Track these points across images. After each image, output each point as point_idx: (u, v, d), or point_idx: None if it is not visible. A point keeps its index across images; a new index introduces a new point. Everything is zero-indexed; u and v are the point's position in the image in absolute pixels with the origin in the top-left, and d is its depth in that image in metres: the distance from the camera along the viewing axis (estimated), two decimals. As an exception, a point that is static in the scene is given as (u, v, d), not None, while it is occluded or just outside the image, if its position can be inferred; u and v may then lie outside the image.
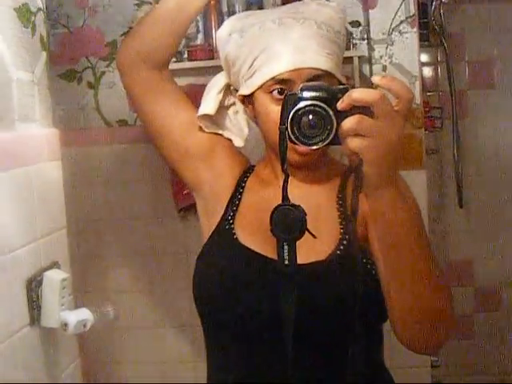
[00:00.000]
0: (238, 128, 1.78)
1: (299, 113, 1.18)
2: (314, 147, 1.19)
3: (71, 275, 1.86)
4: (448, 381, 3.82)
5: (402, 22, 2.94)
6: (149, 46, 1.70)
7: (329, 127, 1.17)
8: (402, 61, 2.94)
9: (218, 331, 1.68)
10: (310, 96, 1.19)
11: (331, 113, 1.17)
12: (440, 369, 3.67)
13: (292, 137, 1.19)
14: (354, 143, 1.15)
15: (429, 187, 3.09)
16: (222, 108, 1.74)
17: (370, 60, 2.97)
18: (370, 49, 2.96)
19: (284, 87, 1.54)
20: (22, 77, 1.69)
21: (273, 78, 1.54)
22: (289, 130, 1.19)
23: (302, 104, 1.18)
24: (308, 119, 1.17)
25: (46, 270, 1.74)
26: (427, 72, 3.89)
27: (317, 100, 1.18)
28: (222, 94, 1.73)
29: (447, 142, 3.77)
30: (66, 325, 1.72)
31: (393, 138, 1.16)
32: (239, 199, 1.69)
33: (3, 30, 1.60)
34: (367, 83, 2.95)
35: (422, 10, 3.52)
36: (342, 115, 1.16)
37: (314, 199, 1.56)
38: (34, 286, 1.69)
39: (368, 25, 2.97)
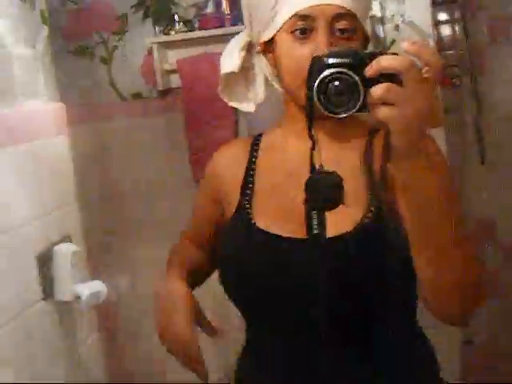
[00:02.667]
0: (253, 92, 1.77)
1: (326, 80, 1.16)
2: (342, 115, 1.17)
3: (85, 249, 1.87)
4: (478, 339, 3.80)
5: (413, -21, 2.90)
6: None
7: (356, 95, 1.14)
8: (415, 19, 2.90)
9: (248, 313, 1.68)
10: (336, 62, 1.16)
11: (358, 80, 1.14)
12: (470, 327, 3.66)
13: (319, 105, 1.17)
14: (382, 112, 1.12)
15: (450, 145, 3.06)
16: (241, 70, 1.73)
17: (382, 19, 2.93)
18: (382, 8, 2.93)
19: (307, 25, 1.50)
20: (22, 52, 1.69)
21: (296, 15, 1.52)
22: (315, 98, 1.17)
23: (327, 71, 1.15)
24: (335, 87, 1.15)
25: (56, 244, 1.74)
26: (444, 30, 3.83)
27: (344, 67, 1.15)
28: (243, 52, 1.71)
29: (466, 99, 3.73)
30: (79, 298, 1.72)
31: (422, 106, 1.13)
32: (252, 179, 1.68)
33: (0, 5, 1.60)
34: (380, 43, 2.92)
35: (435, -34, 3.47)
36: (369, 82, 1.13)
37: (339, 160, 1.54)
38: (45, 261, 1.70)
39: (379, -16, 2.94)
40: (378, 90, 1.11)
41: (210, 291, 1.69)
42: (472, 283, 1.35)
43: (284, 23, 1.54)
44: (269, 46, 1.62)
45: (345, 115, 1.16)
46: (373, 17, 2.89)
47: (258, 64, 1.73)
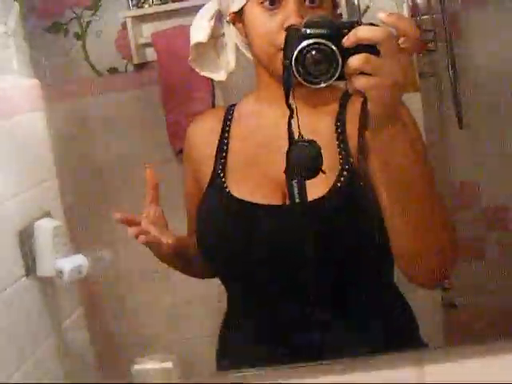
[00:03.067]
0: (224, 61, 1.77)
1: (304, 52, 1.17)
2: (320, 85, 1.19)
3: (66, 225, 1.87)
4: (460, 302, 3.83)
5: None
6: None
7: (334, 65, 1.17)
8: (389, -16, 2.90)
9: (228, 282, 1.69)
10: (313, 33, 1.18)
11: (336, 50, 1.16)
12: (451, 291, 3.69)
13: (297, 75, 1.19)
14: (359, 81, 1.15)
15: (427, 111, 3.07)
16: (211, 39, 1.73)
17: (356, -15, 2.93)
18: (356, -26, 2.92)
19: None
20: (-7, 29, 1.67)
21: None
22: (294, 68, 1.18)
23: (305, 42, 1.17)
24: (313, 58, 1.17)
25: (37, 220, 1.74)
26: (418, -5, 3.83)
27: (321, 37, 1.17)
28: (213, 21, 1.71)
29: (443, 64, 3.73)
30: (61, 272, 1.72)
31: (398, 76, 1.16)
32: (226, 148, 1.69)
33: (-31, -18, 1.58)
34: (354, 10, 2.91)
35: None
36: (347, 52, 1.15)
37: (311, 125, 1.55)
38: (26, 237, 1.69)
39: None
40: (355, 61, 1.13)
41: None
42: (444, 246, 1.37)
43: None
44: (238, 16, 1.63)
45: (323, 85, 1.19)
46: (347, -17, 2.88)
47: (227, 32, 1.74)
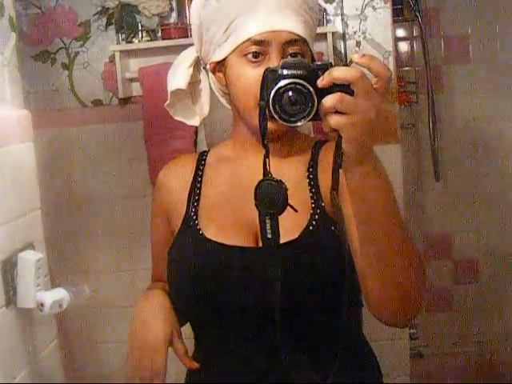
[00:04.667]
0: (199, 107, 1.79)
1: (280, 91, 1.19)
2: (297, 124, 1.21)
3: (47, 256, 1.86)
4: (428, 352, 3.86)
5: (375, -3, 2.95)
6: None
7: (310, 104, 1.19)
8: (376, 36, 2.95)
9: (197, 323, 1.69)
10: (290, 73, 1.20)
11: (312, 90, 1.18)
12: (419, 340, 3.72)
13: (274, 115, 1.20)
14: (334, 120, 1.17)
15: (405, 161, 3.11)
16: (188, 85, 1.75)
17: (344, 36, 2.97)
18: (344, 25, 2.97)
19: (259, 50, 1.55)
20: (-10, 59, 1.69)
21: (249, 39, 1.55)
22: (271, 107, 1.20)
23: (282, 82, 1.19)
24: (289, 97, 1.19)
25: (20, 251, 1.74)
26: (402, 47, 3.91)
27: (297, 78, 1.19)
28: (192, 69, 1.74)
29: (423, 116, 3.79)
30: (42, 305, 1.72)
31: (371, 115, 1.18)
32: (199, 191, 1.70)
33: (-30, 11, 1.60)
34: (341, 59, 2.96)
35: (396, -16, 3.53)
36: (322, 92, 1.17)
37: (285, 173, 1.57)
38: (8, 268, 1.69)
39: (342, 1, 2.97)
40: (330, 100, 1.16)
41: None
42: (412, 286, 1.39)
43: (237, 47, 1.57)
44: (219, 66, 1.65)
45: (299, 124, 1.21)
46: (335, 33, 2.92)
47: (203, 79, 1.76)
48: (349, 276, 1.39)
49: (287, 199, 1.27)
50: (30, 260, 1.72)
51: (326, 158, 1.64)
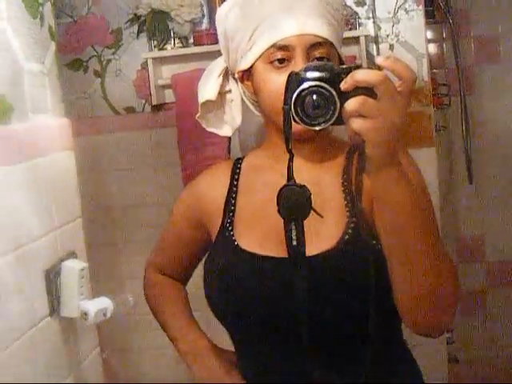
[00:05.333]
0: (230, 116, 1.78)
1: (303, 94, 1.19)
2: (318, 127, 1.20)
3: (89, 264, 1.86)
4: (464, 356, 3.83)
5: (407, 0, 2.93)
6: None
7: (332, 108, 1.18)
8: (409, 39, 2.94)
9: (236, 334, 1.69)
10: (313, 76, 1.19)
11: (335, 93, 1.17)
12: (455, 345, 3.69)
13: (296, 118, 1.20)
14: (356, 124, 1.16)
15: (438, 164, 3.09)
16: (218, 96, 1.74)
17: (376, 39, 2.96)
18: (377, 28, 2.95)
19: (284, 55, 1.54)
20: (32, 68, 1.69)
21: (274, 45, 1.54)
22: (292, 111, 1.19)
23: (305, 85, 1.18)
24: (312, 100, 1.18)
25: (63, 260, 1.74)
26: (433, 49, 3.89)
27: (320, 81, 1.18)
28: (221, 79, 1.73)
29: (455, 118, 3.77)
30: (85, 314, 1.71)
31: (395, 119, 1.16)
32: (234, 201, 1.70)
33: (12, 21, 1.60)
34: (374, 63, 2.95)
35: (427, -14, 3.52)
36: (345, 95, 1.16)
37: (318, 180, 1.56)
38: (52, 277, 1.69)
39: (373, 4, 2.96)
40: (353, 103, 1.15)
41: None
42: (444, 295, 1.37)
43: (262, 53, 1.56)
44: (247, 74, 1.64)
45: (321, 127, 1.20)
46: (367, 36, 2.91)
47: (234, 89, 1.75)
48: (384, 286, 1.38)
49: (311, 204, 1.26)
50: (74, 269, 1.72)
51: None
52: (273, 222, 1.56)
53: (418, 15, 2.94)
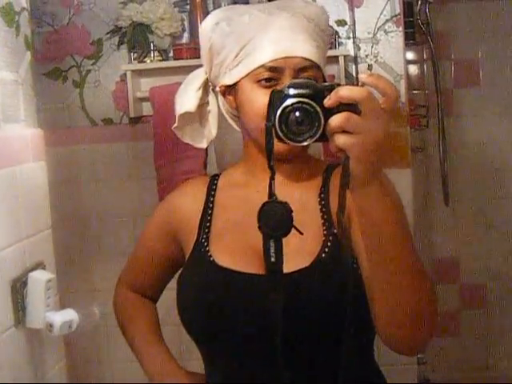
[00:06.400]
0: (206, 129, 1.78)
1: (287, 110, 1.18)
2: (303, 144, 1.20)
3: (57, 275, 1.85)
4: (435, 377, 3.83)
5: (387, 21, 2.95)
6: None
7: (316, 124, 1.18)
8: (388, 60, 2.95)
9: (208, 348, 1.68)
10: (297, 93, 1.19)
11: (319, 109, 1.17)
12: (426, 365, 3.69)
13: (280, 134, 1.19)
14: (341, 140, 1.16)
15: (414, 185, 3.09)
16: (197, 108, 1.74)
17: (355, 59, 2.97)
18: (356, 48, 2.97)
19: (272, 76, 1.54)
20: (5, 77, 1.68)
21: (262, 66, 1.54)
22: (277, 127, 1.19)
23: (289, 101, 1.18)
24: (296, 116, 1.18)
25: (31, 270, 1.73)
26: (413, 70, 3.90)
27: (304, 97, 1.18)
28: (201, 91, 1.72)
29: (433, 139, 3.78)
30: (51, 326, 1.71)
31: (379, 135, 1.17)
32: (210, 218, 1.69)
33: (-13, 30, 1.60)
34: (353, 82, 2.95)
35: (408, 8, 3.54)
36: (329, 112, 1.16)
37: (296, 199, 1.56)
38: (18, 287, 1.68)
39: (354, 24, 2.97)
40: (337, 119, 1.15)
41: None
42: (424, 312, 1.37)
43: (249, 72, 1.57)
44: (229, 89, 1.64)
45: (306, 143, 1.19)
46: (347, 56, 2.92)
47: (212, 102, 1.75)
48: (358, 305, 1.38)
49: (292, 221, 1.26)
50: (41, 280, 1.71)
51: (338, 182, 1.63)
52: (248, 239, 1.55)
53: (397, 36, 2.95)
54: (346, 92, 1.16)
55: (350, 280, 1.39)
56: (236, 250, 1.61)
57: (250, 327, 1.54)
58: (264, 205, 1.27)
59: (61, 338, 1.94)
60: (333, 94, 1.16)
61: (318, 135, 1.18)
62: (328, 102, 1.17)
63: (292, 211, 1.26)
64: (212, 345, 1.64)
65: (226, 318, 1.56)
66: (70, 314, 1.74)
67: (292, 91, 1.20)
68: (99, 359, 3.25)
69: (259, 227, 1.27)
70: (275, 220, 1.26)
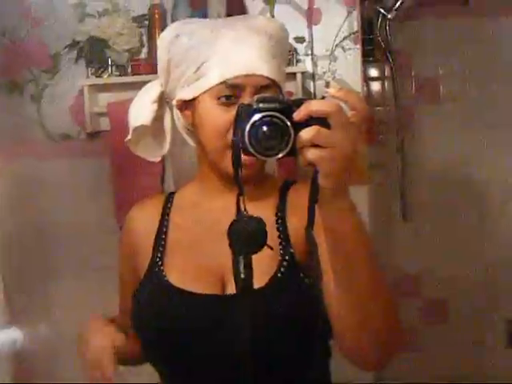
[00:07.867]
0: (159, 143, 1.77)
1: (256, 124, 1.17)
2: (273, 158, 1.19)
3: (5, 292, 1.84)
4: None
5: (345, 38, 2.95)
6: None
7: (286, 138, 1.17)
8: (345, 77, 2.95)
9: (163, 371, 1.66)
10: (266, 107, 1.18)
11: (289, 123, 1.16)
12: (386, 381, 3.69)
13: (250, 148, 1.18)
14: (310, 154, 1.15)
15: (373, 201, 3.10)
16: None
17: (313, 76, 2.98)
18: (314, 65, 2.97)
19: (233, 93, 1.53)
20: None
21: (224, 82, 1.54)
22: (246, 142, 1.18)
23: (258, 115, 1.18)
24: (265, 130, 1.17)
25: (-26, 289, 1.71)
26: (374, 87, 3.91)
27: (273, 111, 1.18)
28: (156, 104, 1.71)
29: (392, 156, 3.79)
30: (-7, 345, 1.69)
31: (348, 148, 1.16)
32: (165, 236, 1.68)
33: None
34: (310, 99, 2.95)
35: (368, 26, 3.56)
36: (298, 126, 1.16)
37: None
38: (-39, 306, 1.66)
39: (312, 41, 2.98)
40: (307, 133, 1.14)
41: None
42: (389, 327, 1.37)
43: (209, 89, 1.56)
44: (187, 104, 1.63)
45: (275, 158, 1.19)
46: (304, 73, 2.93)
47: (167, 116, 1.74)
48: (318, 324, 1.38)
49: (267, 235, 1.25)
50: (-16, 298, 1.70)
51: (295, 200, 1.62)
52: (204, 259, 1.55)
53: (355, 54, 2.96)
54: (316, 106, 1.15)
55: (302, 300, 1.39)
56: (190, 270, 1.60)
57: (204, 347, 1.53)
58: (235, 221, 1.26)
59: (6, 358, 1.92)
60: (303, 107, 1.16)
61: (288, 149, 1.18)
62: (298, 115, 1.16)
63: (265, 225, 1.25)
64: (166, 366, 1.63)
65: (179, 337, 1.55)
66: (12, 334, 1.72)
67: (261, 105, 1.19)
68: (53, 376, 3.21)
69: (230, 245, 1.26)
70: (247, 236, 1.25)
